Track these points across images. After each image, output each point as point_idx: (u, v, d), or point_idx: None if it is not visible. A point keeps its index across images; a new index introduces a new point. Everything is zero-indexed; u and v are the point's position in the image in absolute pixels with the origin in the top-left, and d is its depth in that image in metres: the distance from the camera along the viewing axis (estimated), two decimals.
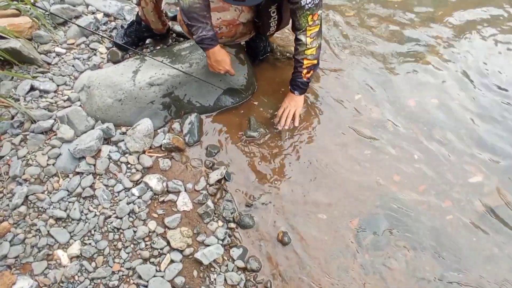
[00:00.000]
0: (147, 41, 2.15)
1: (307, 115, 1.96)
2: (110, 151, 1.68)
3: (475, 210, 1.66)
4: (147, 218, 1.56)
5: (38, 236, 1.48)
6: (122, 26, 2.11)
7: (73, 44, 2.07)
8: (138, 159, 1.70)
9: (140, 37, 2.08)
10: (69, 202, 1.55)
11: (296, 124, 1.89)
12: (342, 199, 1.68)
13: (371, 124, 1.94)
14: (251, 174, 1.75)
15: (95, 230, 1.51)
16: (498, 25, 2.53)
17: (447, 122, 1.97)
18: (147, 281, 1.41)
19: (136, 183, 1.64)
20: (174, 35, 2.22)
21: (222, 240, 1.54)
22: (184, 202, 1.61)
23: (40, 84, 1.82)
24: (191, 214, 1.60)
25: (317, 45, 1.77)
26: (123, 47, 2.03)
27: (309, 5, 1.61)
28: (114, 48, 2.06)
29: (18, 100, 1.76)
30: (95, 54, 2.06)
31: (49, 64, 1.95)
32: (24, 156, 1.62)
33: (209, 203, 1.61)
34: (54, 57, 1.98)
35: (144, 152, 1.73)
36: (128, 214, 1.55)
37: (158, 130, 1.83)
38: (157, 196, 1.62)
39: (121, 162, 1.68)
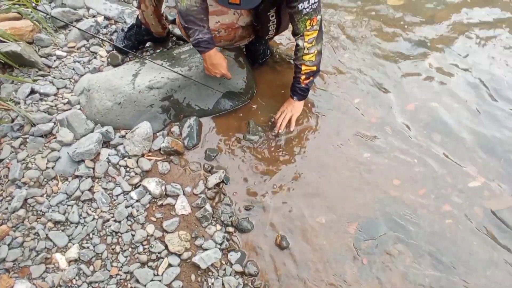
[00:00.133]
0: (147, 44, 2.16)
1: (307, 118, 1.96)
2: (109, 155, 1.69)
3: (475, 214, 1.65)
4: (146, 221, 1.56)
5: (36, 239, 1.48)
6: (122, 29, 2.11)
7: (73, 47, 2.08)
8: (137, 162, 1.70)
9: (140, 41, 2.09)
10: (68, 205, 1.56)
11: (292, 129, 1.88)
12: (341, 203, 1.68)
13: (370, 127, 1.94)
14: (250, 178, 1.74)
15: (93, 234, 1.51)
16: (501, 27, 2.51)
17: (447, 125, 1.95)
18: (145, 285, 1.41)
19: (135, 186, 1.64)
20: (174, 38, 2.23)
21: (220, 244, 1.54)
22: (182, 206, 1.61)
23: (41, 87, 1.83)
24: (189, 218, 1.60)
25: (316, 51, 1.74)
26: (123, 50, 2.04)
27: (307, 9, 1.60)
28: (114, 51, 2.07)
29: (19, 103, 1.77)
30: (95, 57, 2.07)
31: (49, 67, 1.96)
32: (24, 159, 1.62)
33: (208, 206, 1.61)
34: (54, 60, 1.99)
35: (143, 155, 1.73)
36: (127, 217, 1.55)
37: (157, 134, 1.83)
38: (155, 200, 1.62)
39: (120, 166, 1.68)
